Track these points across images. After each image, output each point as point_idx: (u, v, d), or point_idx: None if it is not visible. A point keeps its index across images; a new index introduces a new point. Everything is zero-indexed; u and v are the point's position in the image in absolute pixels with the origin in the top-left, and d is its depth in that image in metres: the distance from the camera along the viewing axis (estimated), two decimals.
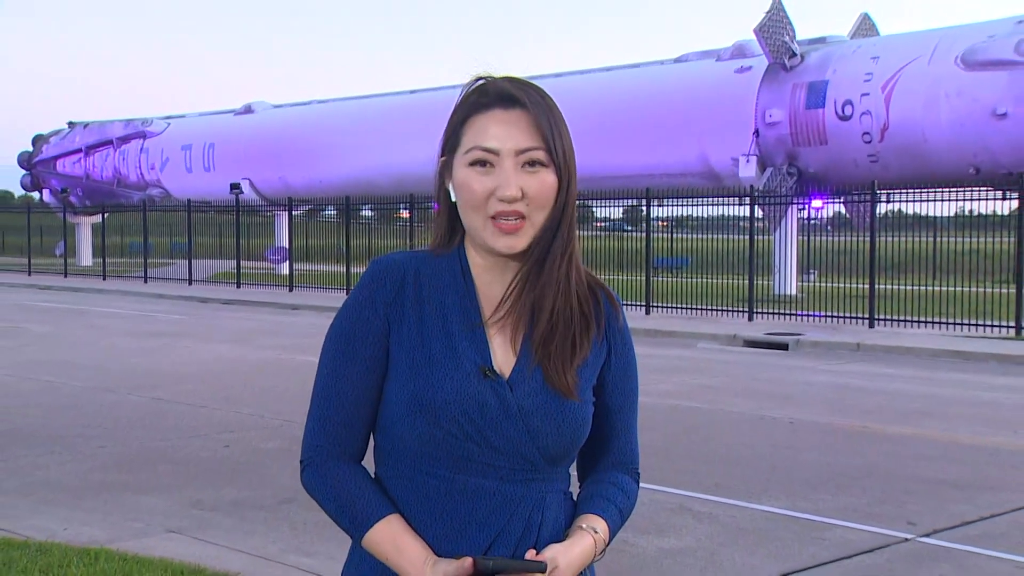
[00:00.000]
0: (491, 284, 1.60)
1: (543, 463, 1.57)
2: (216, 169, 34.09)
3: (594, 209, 26.16)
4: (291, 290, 26.60)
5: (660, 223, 24.71)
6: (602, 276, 23.14)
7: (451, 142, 1.63)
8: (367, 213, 32.56)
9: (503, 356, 1.57)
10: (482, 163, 1.57)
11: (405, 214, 27.31)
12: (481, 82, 1.63)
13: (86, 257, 39.14)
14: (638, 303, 20.53)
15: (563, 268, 1.59)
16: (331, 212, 31.72)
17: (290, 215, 28.70)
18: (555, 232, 1.58)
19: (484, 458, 1.53)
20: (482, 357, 1.55)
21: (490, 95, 1.61)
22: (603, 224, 28.08)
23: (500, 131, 1.57)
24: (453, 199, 1.62)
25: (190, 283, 29.16)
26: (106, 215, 36.74)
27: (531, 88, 1.61)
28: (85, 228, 40.18)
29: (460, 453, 1.52)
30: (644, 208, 21.13)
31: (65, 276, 33.16)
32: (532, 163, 1.57)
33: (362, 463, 1.61)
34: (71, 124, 40.75)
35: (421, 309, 1.57)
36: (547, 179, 1.57)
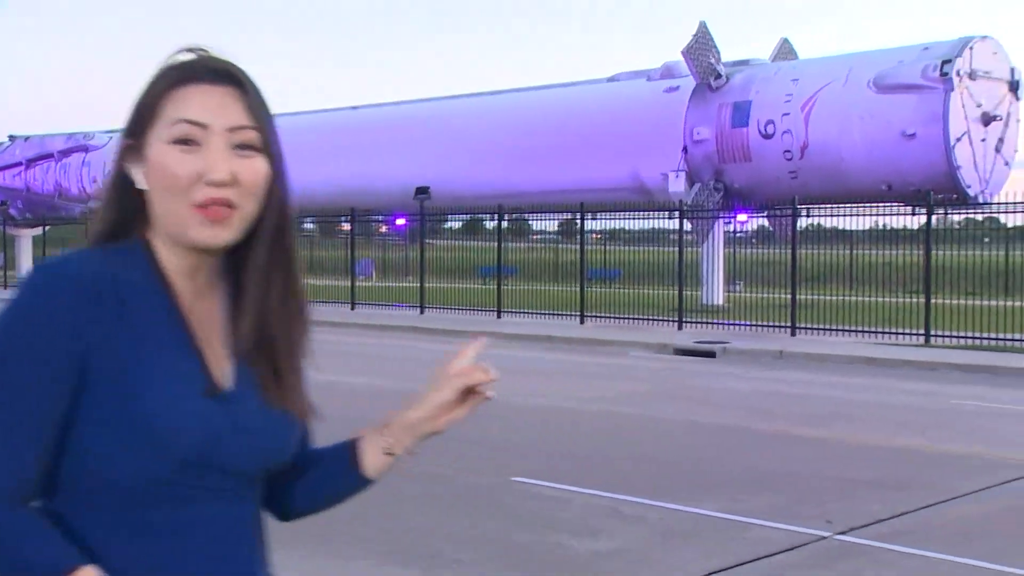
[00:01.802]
0: (195, 290, 1.34)
1: (260, 480, 1.39)
2: None
3: (531, 223, 26.26)
4: None
5: (594, 236, 24.90)
6: (538, 287, 22.97)
7: (143, 119, 1.31)
8: (308, 226, 32.23)
9: (220, 371, 1.34)
10: (186, 141, 1.28)
11: (346, 227, 27.10)
12: (188, 54, 1.33)
13: (26, 269, 37.89)
14: (573, 313, 20.62)
15: (280, 276, 1.35)
16: None
17: None
18: (273, 236, 1.34)
19: (212, 483, 1.31)
20: (200, 374, 1.31)
21: (198, 67, 1.31)
22: (539, 237, 28.20)
23: (211, 104, 1.29)
24: (141, 186, 1.31)
25: None
26: (47, 228, 35.78)
27: (244, 70, 1.34)
28: (25, 241, 39.08)
29: (185, 481, 1.28)
30: (578, 222, 21.26)
31: (4, 288, 32.19)
32: (244, 146, 1.31)
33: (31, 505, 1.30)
34: (12, 137, 39.67)
35: (125, 324, 1.27)
36: (260, 166, 1.32)
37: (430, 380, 1.44)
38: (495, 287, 22.10)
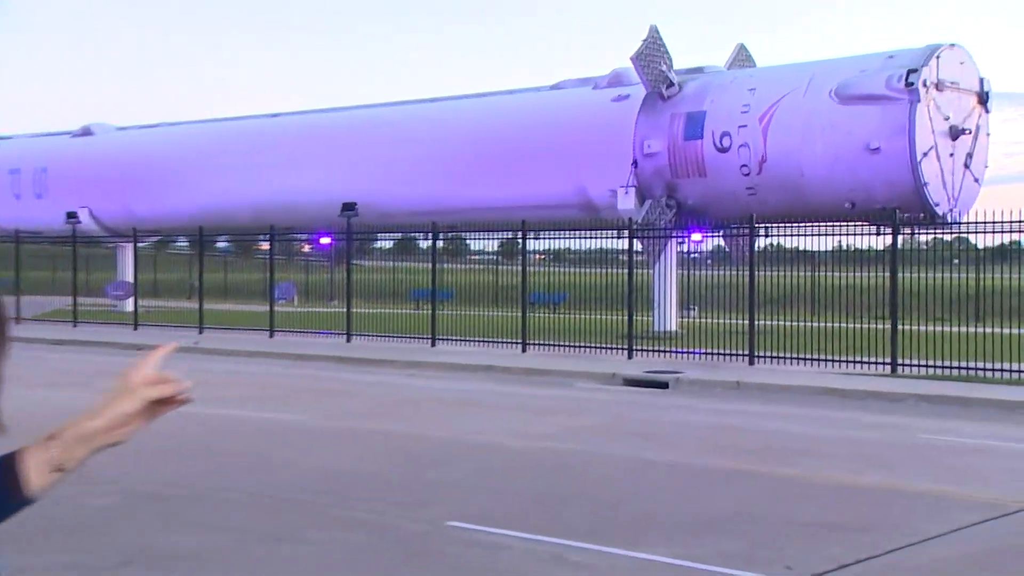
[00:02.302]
0: None
1: None
2: (49, 196, 32.66)
3: (468, 242, 26.26)
4: (136, 328, 25.69)
5: (537, 257, 24.95)
6: (476, 312, 23.00)
7: None
8: (223, 245, 31.82)
9: None
10: None
11: (265, 246, 26.80)
12: None
13: None
14: (514, 340, 20.63)
15: None
16: (183, 244, 30.82)
17: (135, 247, 27.74)
18: None
19: None
20: None
21: None
22: (477, 258, 28.19)
23: None
24: None
25: (17, 321, 27.75)
26: None
27: None
28: None
29: None
30: (520, 241, 21.30)
31: None
32: None
33: None
34: None
35: None
36: None
37: (112, 388, 1.42)
38: (429, 312, 22.06)
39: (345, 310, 23.33)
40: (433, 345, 21.49)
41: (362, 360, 19.36)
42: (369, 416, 12.73)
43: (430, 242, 22.31)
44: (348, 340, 22.73)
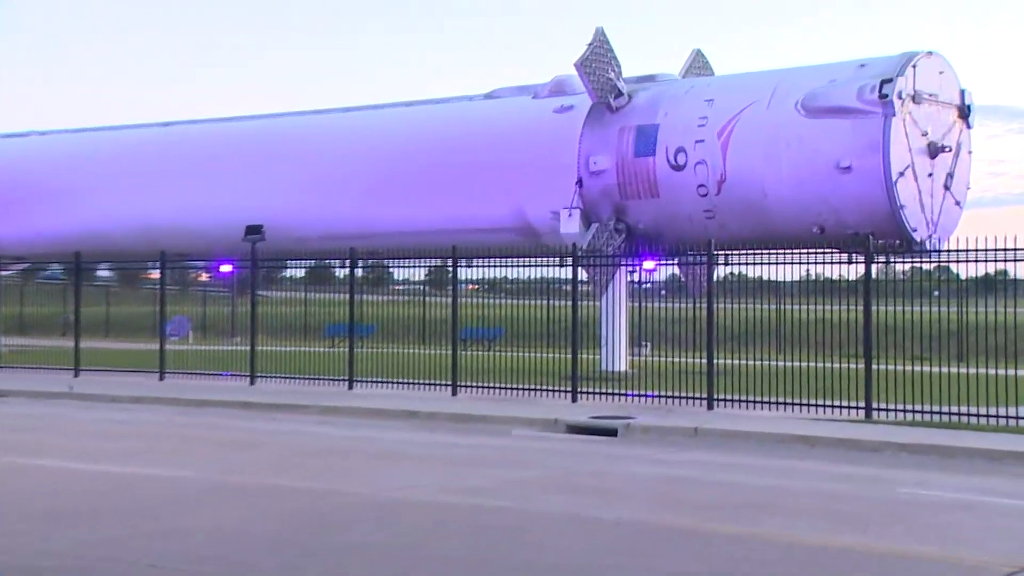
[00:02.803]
0: None
1: None
2: None
3: (391, 270, 26.09)
4: None
5: (470, 287, 24.86)
6: (401, 350, 22.75)
7: None
8: (105, 274, 31.20)
9: None
10: None
11: (154, 275, 26.33)
12: None
13: None
14: (443, 382, 20.50)
15: None
16: (56, 272, 30.11)
17: None
18: None
19: None
20: None
21: None
22: (402, 288, 28.08)
23: None
24: None
25: None
26: None
27: None
28: None
29: None
30: (450, 269, 21.23)
31: None
32: None
33: None
34: None
35: None
36: None
37: None
38: (346, 350, 21.87)
39: (249, 348, 23.00)
40: (350, 388, 21.31)
41: (268, 406, 19.11)
42: (275, 470, 12.51)
43: (348, 270, 22.13)
44: (252, 383, 22.43)
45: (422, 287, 26.83)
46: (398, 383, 21.11)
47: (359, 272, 22.53)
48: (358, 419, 17.85)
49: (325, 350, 24.13)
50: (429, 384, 20.68)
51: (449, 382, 20.41)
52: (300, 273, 27.64)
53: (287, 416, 18.31)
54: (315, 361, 22.84)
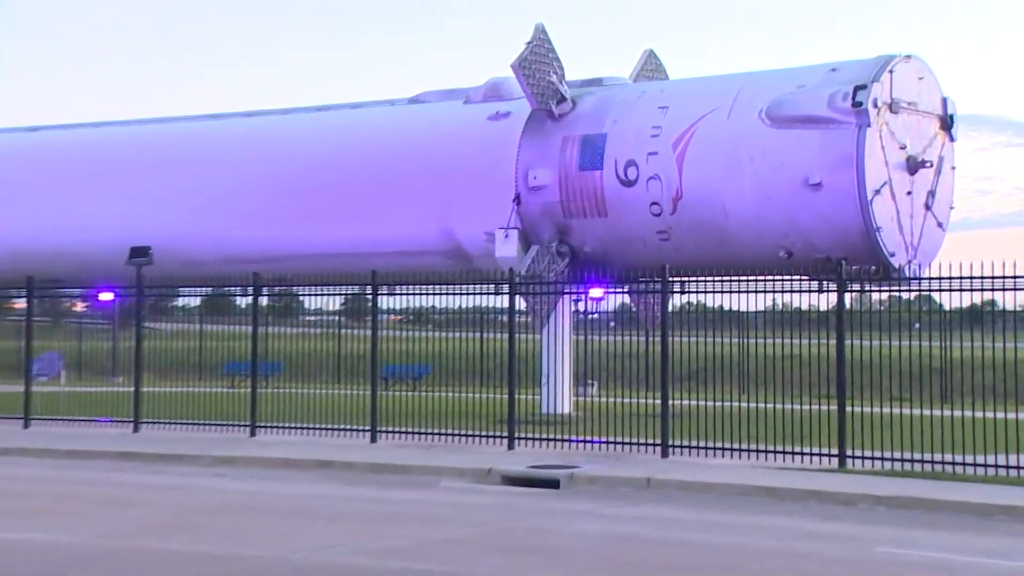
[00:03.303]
0: None
1: None
2: None
3: (301, 299, 25.93)
4: None
5: (392, 319, 24.71)
6: (312, 390, 22.48)
7: None
8: None
9: None
10: None
11: (20, 304, 25.82)
12: None
13: None
14: (361, 428, 20.33)
15: None
16: None
17: None
18: None
19: None
20: None
21: None
22: (314, 319, 27.86)
23: None
24: None
25: None
26: None
27: None
28: None
29: None
30: (369, 298, 21.13)
31: None
32: None
33: None
34: None
35: None
36: None
37: None
38: (248, 391, 21.65)
39: (133, 390, 22.65)
40: (253, 434, 21.11)
41: (156, 456, 18.86)
42: (164, 532, 12.33)
43: (251, 299, 21.93)
44: (136, 430, 22.11)
45: (337, 318, 26.64)
46: (309, 429, 20.93)
47: (264, 301, 22.32)
48: (262, 471, 17.65)
49: (223, 391, 23.84)
50: (345, 430, 20.53)
51: (368, 427, 20.25)
52: (194, 302, 27.35)
53: (178, 468, 18.05)
54: (212, 404, 22.57)
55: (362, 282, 21.59)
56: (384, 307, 21.71)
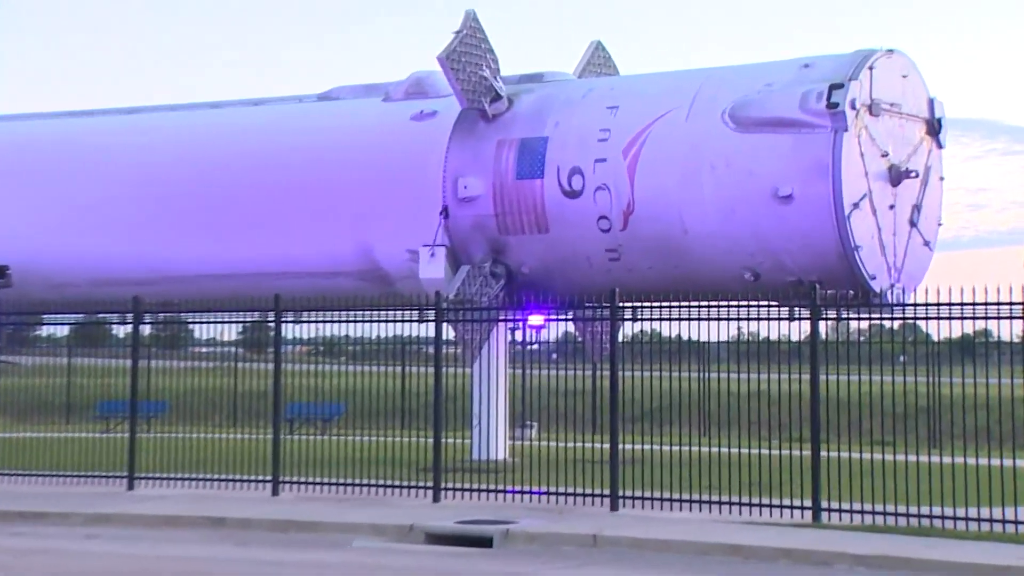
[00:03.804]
0: None
1: None
2: None
3: (191, 327, 25.62)
4: None
5: (299, 350, 24.51)
6: (203, 434, 22.32)
7: None
8: None
9: None
10: None
11: None
12: None
13: None
14: (261, 478, 20.21)
15: None
16: None
17: None
18: None
19: None
20: None
21: None
22: (207, 351, 27.52)
23: None
24: None
25: None
26: None
27: None
28: None
29: None
30: (272, 326, 20.98)
31: None
32: None
33: None
34: None
35: None
36: None
37: None
38: (126, 435, 21.38)
39: None
40: (131, 487, 20.91)
41: (14, 514, 18.54)
42: None
43: (130, 327, 21.69)
44: None
45: (234, 350, 26.41)
46: (199, 480, 20.76)
47: (146, 330, 22.07)
48: (142, 530, 17.42)
49: (97, 436, 23.55)
50: (242, 481, 20.39)
51: (269, 477, 20.11)
52: (62, 331, 26.94)
53: (42, 529, 17.74)
54: (82, 451, 22.29)
55: (263, 307, 21.43)
56: (289, 337, 21.60)
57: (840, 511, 16.76)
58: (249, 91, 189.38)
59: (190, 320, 23.96)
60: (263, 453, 20.45)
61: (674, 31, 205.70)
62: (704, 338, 19.00)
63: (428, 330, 20.55)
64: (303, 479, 20.15)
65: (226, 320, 22.42)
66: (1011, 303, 16.32)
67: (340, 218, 23.86)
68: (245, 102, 27.42)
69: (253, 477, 20.25)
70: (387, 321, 21.36)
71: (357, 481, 19.84)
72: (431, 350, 20.34)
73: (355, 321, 21.55)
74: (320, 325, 21.71)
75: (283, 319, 20.85)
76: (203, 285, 23.49)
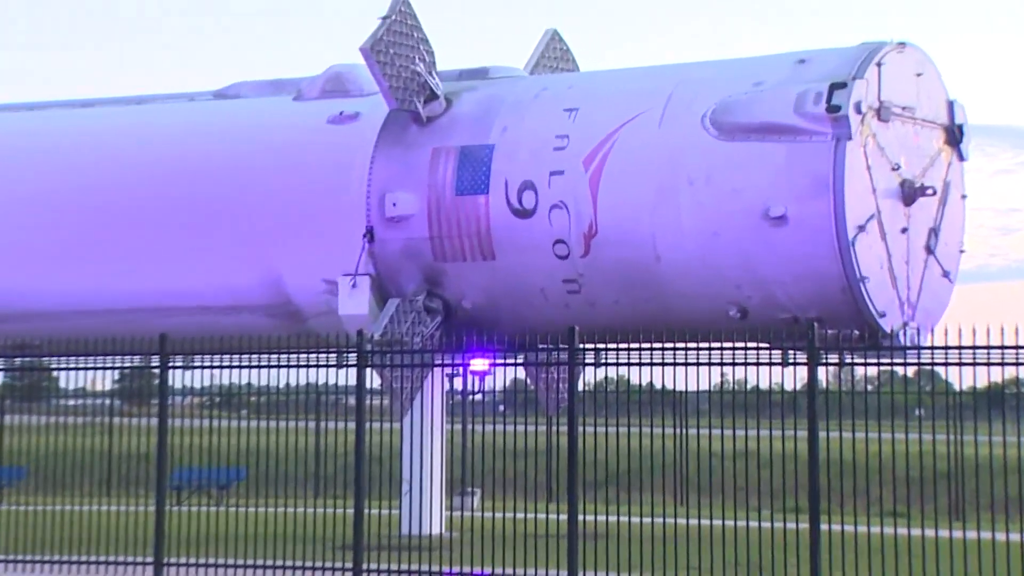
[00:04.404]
0: None
1: None
2: None
3: (56, 375, 25.35)
4: None
5: (192, 402, 24.24)
6: (71, 506, 21.98)
7: None
8: None
9: None
10: None
11: None
12: None
13: None
14: (141, 559, 19.97)
15: None
16: None
17: None
18: None
19: None
20: None
21: None
22: (76, 404, 27.29)
23: None
24: None
25: None
26: None
27: None
28: None
29: None
30: (157, 373, 20.77)
31: None
32: None
33: None
34: None
35: None
36: None
37: None
38: None
39: None
40: None
41: None
42: None
43: None
44: None
45: (109, 402, 26.14)
46: (64, 563, 20.50)
47: None
48: None
49: None
50: (118, 564, 20.12)
51: (151, 559, 19.87)
52: None
53: None
54: None
55: (146, 351, 21.11)
56: (178, 386, 21.38)
57: None
58: (130, 87, 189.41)
59: (54, 366, 23.67)
60: (144, 529, 20.29)
61: (645, 19, 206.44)
62: (681, 387, 18.90)
63: (349, 377, 20.38)
64: (193, 560, 19.92)
65: (100, 366, 22.16)
66: None
67: (242, 242, 23.80)
68: (124, 100, 27.38)
69: (132, 559, 20.01)
70: (299, 366, 21.21)
71: (260, 562, 19.66)
72: (352, 401, 20.17)
73: (259, 367, 21.31)
74: (216, 371, 21.51)
75: (170, 364, 20.65)
76: (71, 323, 23.35)
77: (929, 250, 22.04)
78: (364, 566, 18.92)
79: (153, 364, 21.09)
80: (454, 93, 23.64)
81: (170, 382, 20.72)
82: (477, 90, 23.84)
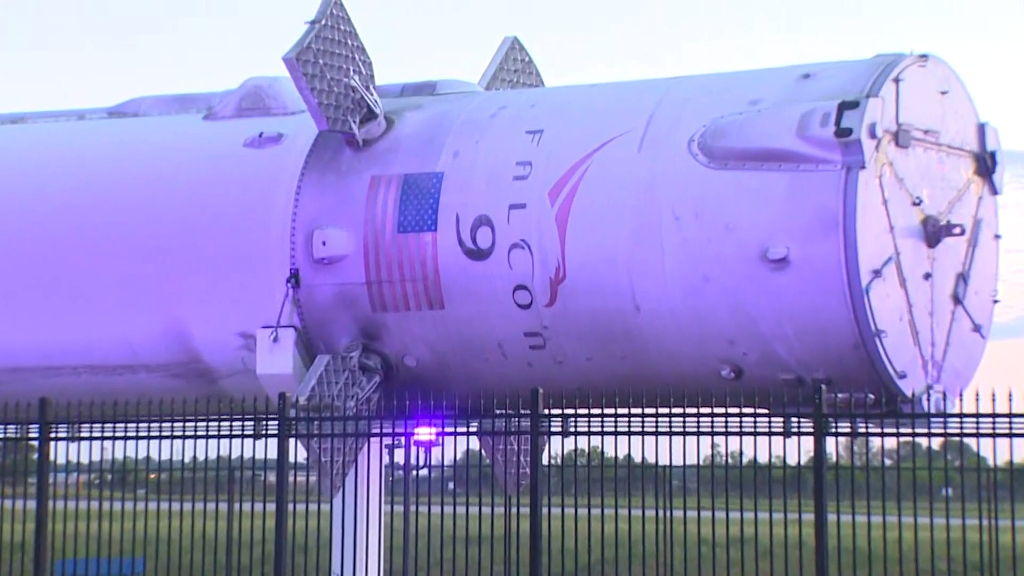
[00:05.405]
0: None
1: None
2: None
3: None
4: None
5: (79, 479, 24.19)
6: None
7: None
8: None
9: None
10: None
11: None
12: None
13: None
14: None
15: None
16: None
17: None
18: None
19: None
20: None
21: None
22: None
23: None
24: None
25: None
26: None
27: None
28: None
29: None
30: (36, 444, 20.71)
31: None
32: None
33: None
34: None
35: None
36: None
37: None
38: None
39: None
40: None
41: None
42: None
43: None
44: None
45: None
46: None
47: None
48: None
49: None
50: None
51: None
52: None
53: None
54: None
55: (23, 420, 21.16)
56: (62, 460, 21.35)
57: None
58: (9, 103, 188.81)
59: None
60: None
61: (622, 25, 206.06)
62: (665, 460, 19.05)
63: (269, 449, 20.45)
64: None
65: None
66: None
67: (140, 287, 23.83)
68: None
69: None
70: (208, 437, 21.32)
71: None
72: (272, 478, 20.23)
73: (161, 437, 21.46)
74: (108, 443, 21.54)
75: (53, 434, 20.64)
76: None
77: (957, 299, 22.11)
78: None
79: (31, 435, 21.07)
80: (396, 112, 23.72)
81: (52, 456, 20.75)
82: (423, 108, 23.94)
